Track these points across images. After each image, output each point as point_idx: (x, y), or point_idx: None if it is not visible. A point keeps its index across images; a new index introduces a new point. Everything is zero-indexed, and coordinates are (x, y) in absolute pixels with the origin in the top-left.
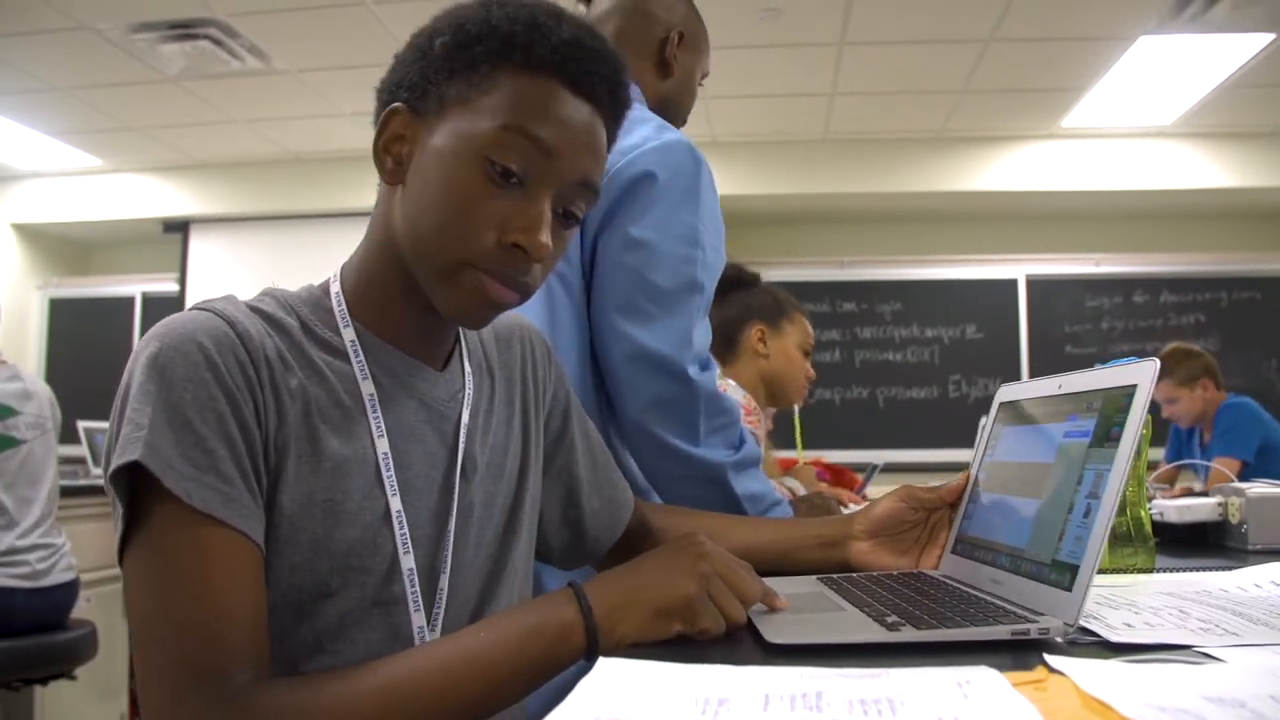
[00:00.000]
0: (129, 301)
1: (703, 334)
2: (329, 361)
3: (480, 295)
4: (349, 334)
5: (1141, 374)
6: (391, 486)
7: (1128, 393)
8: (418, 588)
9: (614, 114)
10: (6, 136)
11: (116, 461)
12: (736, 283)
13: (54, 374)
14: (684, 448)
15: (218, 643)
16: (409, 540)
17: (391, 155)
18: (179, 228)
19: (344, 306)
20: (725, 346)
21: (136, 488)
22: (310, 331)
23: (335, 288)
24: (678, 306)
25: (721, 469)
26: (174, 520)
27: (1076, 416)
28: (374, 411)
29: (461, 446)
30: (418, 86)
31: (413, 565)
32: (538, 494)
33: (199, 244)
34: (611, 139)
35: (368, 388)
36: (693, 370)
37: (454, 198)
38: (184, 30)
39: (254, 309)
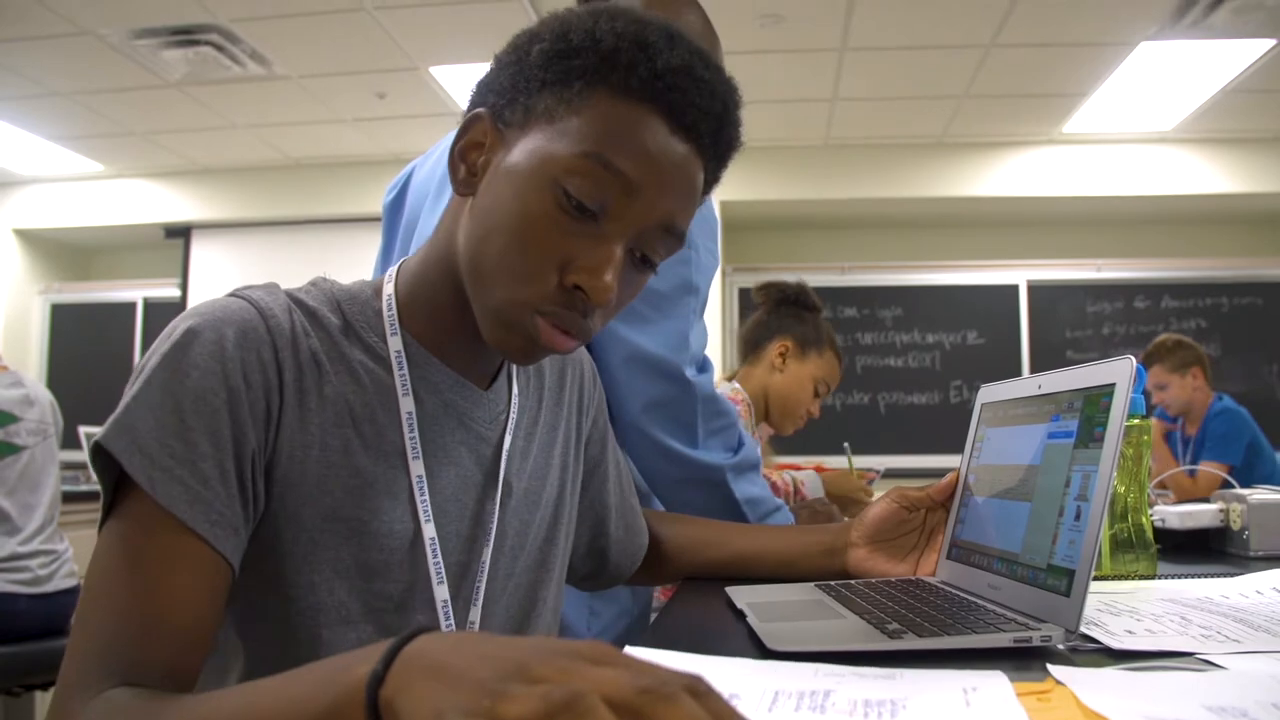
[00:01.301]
0: (130, 307)
1: (699, 336)
2: (369, 368)
3: (533, 339)
4: (395, 343)
5: (1119, 373)
6: (425, 512)
7: (1107, 391)
8: (453, 621)
9: (716, 155)
10: (8, 142)
11: (96, 438)
12: (795, 301)
13: (55, 379)
14: (682, 450)
15: (131, 649)
16: (443, 570)
17: (466, 164)
18: (180, 233)
19: (394, 311)
20: (751, 349)
21: (121, 477)
22: (353, 333)
23: (389, 289)
24: (673, 308)
25: (720, 471)
26: (135, 507)
27: (1059, 417)
28: (411, 431)
29: (502, 471)
30: (506, 93)
31: (447, 597)
32: (573, 524)
33: (200, 249)
34: (710, 181)
35: (407, 404)
36: (689, 372)
37: (521, 225)
38: (186, 36)
39: (297, 301)
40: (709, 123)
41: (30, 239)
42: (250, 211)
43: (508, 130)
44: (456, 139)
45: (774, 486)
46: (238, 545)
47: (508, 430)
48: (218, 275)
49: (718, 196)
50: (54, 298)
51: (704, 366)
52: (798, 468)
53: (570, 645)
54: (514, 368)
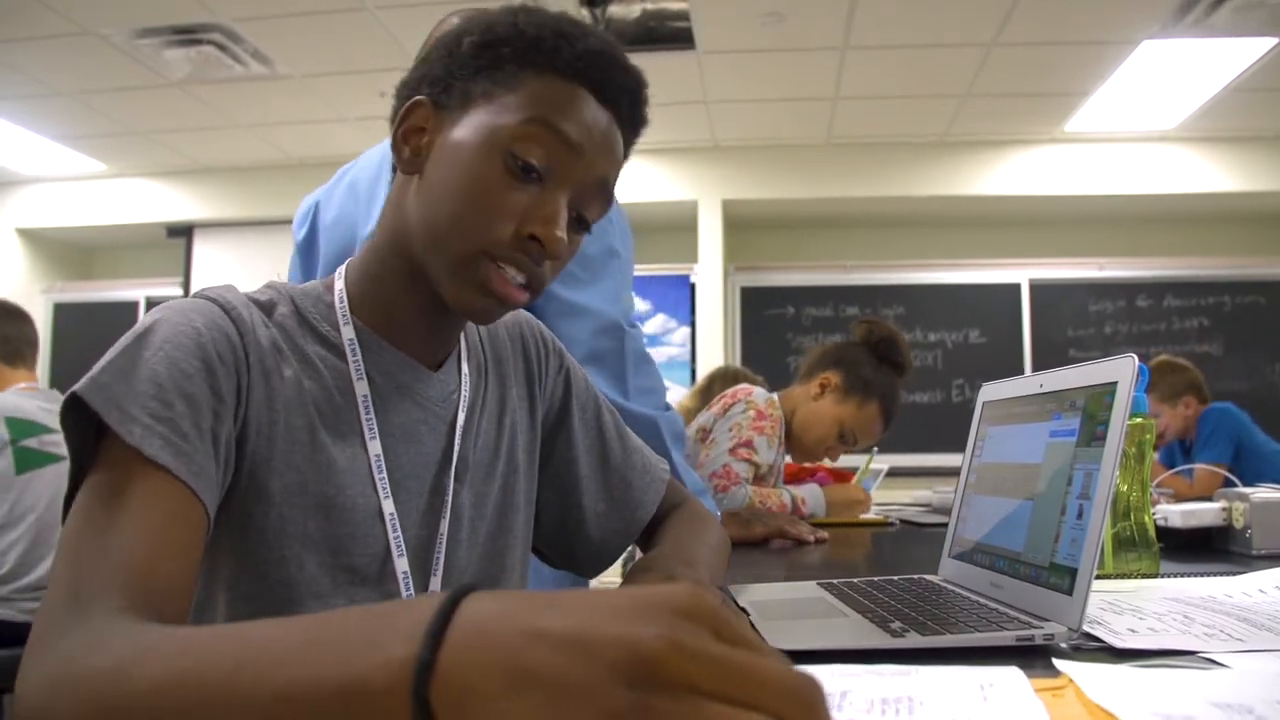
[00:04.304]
0: (133, 306)
1: (630, 298)
2: (324, 356)
3: (490, 288)
4: (348, 332)
5: (1121, 371)
6: (384, 489)
7: (1109, 390)
8: (412, 591)
9: (632, 127)
10: (11, 141)
11: (72, 390)
12: (875, 347)
13: (57, 379)
14: (615, 399)
15: (119, 587)
16: (403, 543)
17: (409, 146)
18: (182, 232)
19: (345, 303)
20: (807, 371)
21: (97, 441)
22: (307, 325)
23: (339, 284)
24: (603, 269)
25: (654, 424)
26: (117, 459)
27: (1061, 415)
28: (367, 414)
29: (456, 447)
30: (441, 81)
31: (406, 569)
32: (533, 493)
33: (202, 248)
34: (626, 153)
35: (362, 389)
36: (623, 322)
37: (474, 188)
38: (188, 35)
39: (252, 299)
40: (627, 99)
41: (33, 238)
42: (252, 211)
43: (447, 112)
44: (398, 125)
45: (770, 510)
46: (214, 501)
47: (461, 408)
48: (220, 275)
49: (720, 195)
50: (56, 297)
51: (633, 324)
52: (802, 468)
53: (658, 601)
54: (465, 348)
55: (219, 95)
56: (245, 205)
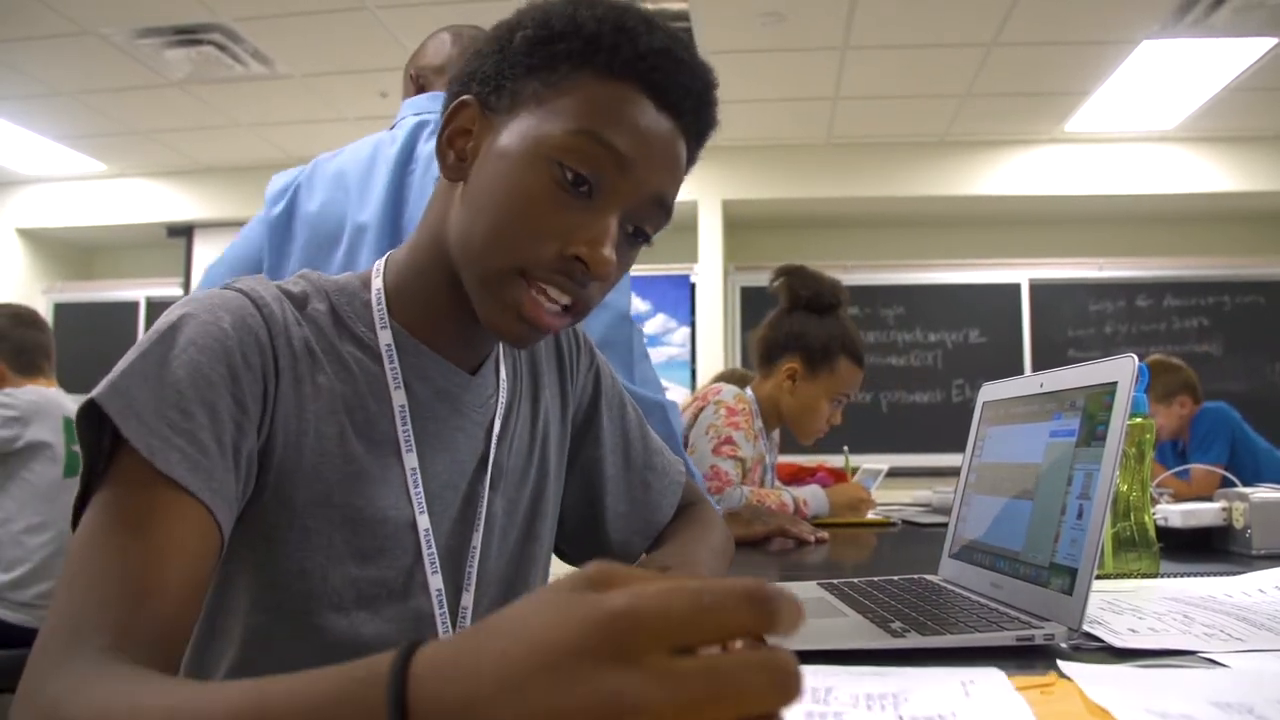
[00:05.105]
0: (133, 306)
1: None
2: (359, 359)
3: (522, 313)
4: (385, 336)
5: (1121, 371)
6: (419, 504)
7: (1109, 390)
8: (446, 608)
9: (698, 132)
10: (11, 141)
11: (90, 396)
12: (808, 305)
13: (58, 379)
14: (628, 384)
15: (124, 612)
16: (436, 558)
17: (455, 150)
18: (183, 232)
19: (383, 305)
20: (765, 362)
21: (113, 448)
22: (343, 324)
23: (377, 283)
24: None
25: (661, 406)
26: (132, 472)
27: (1061, 415)
28: (404, 424)
29: (492, 454)
30: (491, 80)
31: (441, 586)
32: (559, 495)
33: (203, 248)
34: (692, 159)
35: (399, 398)
36: (629, 312)
37: (517, 201)
38: (188, 35)
39: (285, 292)
40: (690, 101)
41: (33, 238)
42: (252, 211)
43: (495, 115)
44: (443, 127)
45: (771, 510)
46: (230, 519)
47: (498, 413)
48: None
49: (720, 195)
50: (57, 297)
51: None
52: (801, 468)
53: (613, 610)
54: (501, 349)
55: (219, 95)
56: (245, 205)
